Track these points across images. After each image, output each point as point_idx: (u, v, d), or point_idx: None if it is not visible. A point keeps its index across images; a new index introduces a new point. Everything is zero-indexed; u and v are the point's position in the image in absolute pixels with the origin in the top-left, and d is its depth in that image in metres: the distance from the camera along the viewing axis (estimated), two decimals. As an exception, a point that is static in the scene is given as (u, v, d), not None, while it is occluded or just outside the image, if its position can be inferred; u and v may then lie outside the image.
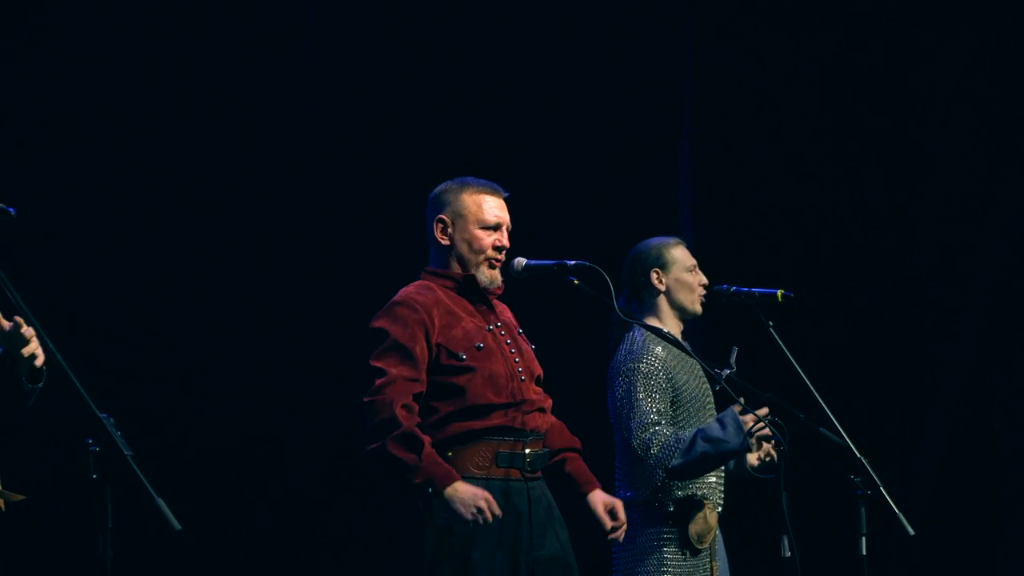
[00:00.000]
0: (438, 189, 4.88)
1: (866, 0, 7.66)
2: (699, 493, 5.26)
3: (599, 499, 4.87)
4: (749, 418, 5.07)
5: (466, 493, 4.51)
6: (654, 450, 5.14)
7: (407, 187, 6.81)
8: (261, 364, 6.82)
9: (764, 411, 5.06)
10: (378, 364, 4.62)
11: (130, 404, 6.19)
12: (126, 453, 3.53)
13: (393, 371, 4.59)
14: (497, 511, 4.53)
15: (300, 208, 6.97)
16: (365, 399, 4.58)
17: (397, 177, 6.99)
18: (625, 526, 4.90)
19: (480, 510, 4.50)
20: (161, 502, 3.48)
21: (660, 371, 5.26)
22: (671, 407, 5.28)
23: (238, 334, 6.80)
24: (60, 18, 6.68)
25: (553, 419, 4.95)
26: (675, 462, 5.14)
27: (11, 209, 3.74)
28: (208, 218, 6.83)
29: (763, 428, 5.06)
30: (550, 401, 4.95)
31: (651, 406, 5.22)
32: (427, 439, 4.55)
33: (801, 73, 7.63)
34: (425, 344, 4.66)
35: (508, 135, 7.26)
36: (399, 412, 4.54)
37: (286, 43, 7.01)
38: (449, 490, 4.51)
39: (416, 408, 4.62)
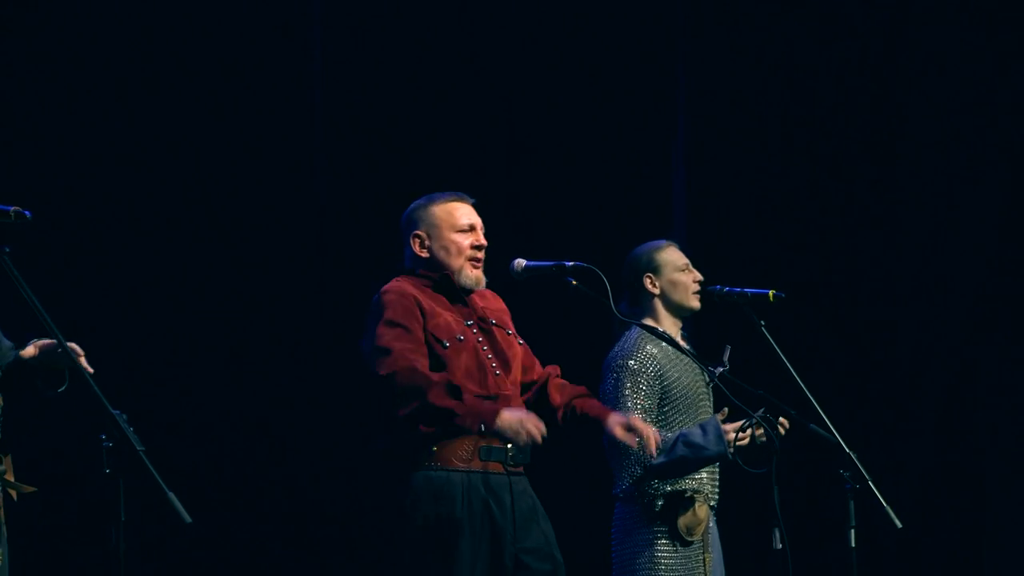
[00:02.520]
0: (407, 210, 4.95)
1: (859, 4, 7.73)
2: (687, 487, 5.29)
3: (614, 422, 4.85)
4: (730, 427, 5.14)
5: (511, 421, 4.59)
6: (635, 448, 5.13)
7: (405, 188, 6.89)
8: (270, 361, 6.86)
9: (723, 413, 5.14)
10: (382, 344, 4.65)
11: (142, 401, 6.27)
12: (138, 449, 3.60)
13: (398, 345, 4.65)
14: (540, 430, 4.58)
15: (308, 210, 7.00)
16: (382, 372, 4.61)
17: (396, 179, 7.04)
18: (655, 436, 4.89)
19: (529, 433, 4.57)
20: (172, 496, 3.55)
21: (650, 369, 5.30)
22: (660, 405, 5.32)
23: (248, 332, 6.84)
24: (62, 17, 6.72)
25: (560, 381, 5.00)
26: (656, 461, 5.18)
27: (27, 212, 3.80)
28: (220, 219, 6.87)
29: (745, 439, 5.13)
30: (556, 368, 5.01)
31: (636, 403, 5.27)
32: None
33: (794, 75, 7.64)
34: (420, 328, 4.73)
35: (505, 136, 7.27)
36: (426, 370, 4.61)
37: (294, 44, 7.06)
38: (498, 422, 4.59)
39: None
